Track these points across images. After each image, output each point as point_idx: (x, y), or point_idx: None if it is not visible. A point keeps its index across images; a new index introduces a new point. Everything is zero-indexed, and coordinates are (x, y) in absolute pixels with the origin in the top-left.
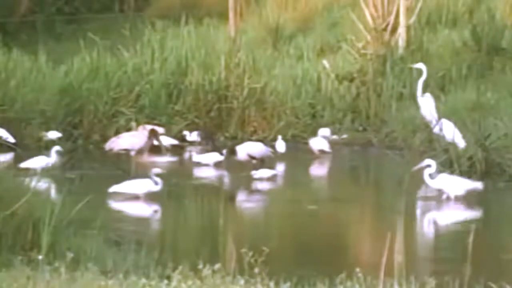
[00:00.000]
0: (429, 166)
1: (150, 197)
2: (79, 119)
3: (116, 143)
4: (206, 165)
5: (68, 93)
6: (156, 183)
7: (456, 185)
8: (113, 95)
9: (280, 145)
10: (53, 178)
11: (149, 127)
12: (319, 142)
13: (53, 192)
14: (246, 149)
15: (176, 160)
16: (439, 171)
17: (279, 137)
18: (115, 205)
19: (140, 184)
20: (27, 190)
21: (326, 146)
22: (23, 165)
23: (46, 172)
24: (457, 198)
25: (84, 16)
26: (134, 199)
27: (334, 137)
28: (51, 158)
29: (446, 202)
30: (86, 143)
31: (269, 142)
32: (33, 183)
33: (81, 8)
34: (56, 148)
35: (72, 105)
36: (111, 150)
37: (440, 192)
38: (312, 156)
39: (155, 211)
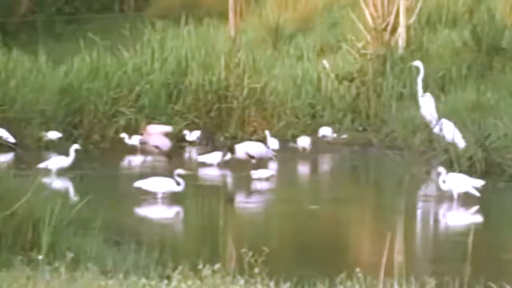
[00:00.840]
0: (440, 173)
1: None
2: (79, 119)
3: (151, 139)
4: (210, 165)
5: (68, 93)
6: (178, 184)
7: (463, 183)
8: (113, 95)
9: (272, 142)
10: (53, 178)
11: (155, 126)
12: (303, 140)
13: (52, 192)
14: (245, 148)
15: (177, 160)
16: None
17: (267, 132)
18: (121, 204)
19: (163, 183)
20: (27, 190)
21: (307, 144)
22: (42, 165)
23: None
24: (460, 196)
25: (84, 16)
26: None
27: (335, 135)
28: (70, 157)
29: (447, 202)
30: (86, 143)
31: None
32: (52, 183)
33: (81, 8)
34: (75, 146)
35: (72, 105)
36: (144, 143)
37: (448, 192)
38: (298, 154)
39: (177, 212)
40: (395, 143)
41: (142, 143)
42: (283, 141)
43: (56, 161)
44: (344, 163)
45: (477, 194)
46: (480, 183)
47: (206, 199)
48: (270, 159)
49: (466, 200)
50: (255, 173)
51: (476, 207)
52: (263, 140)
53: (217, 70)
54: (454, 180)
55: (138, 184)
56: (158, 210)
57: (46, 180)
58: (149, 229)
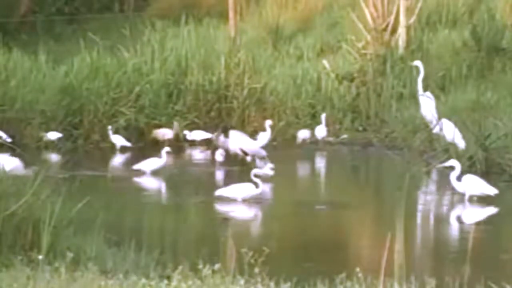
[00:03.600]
0: (453, 167)
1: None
2: (79, 119)
3: (235, 144)
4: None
5: (68, 93)
6: (257, 186)
7: (479, 187)
8: (113, 95)
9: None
10: (52, 178)
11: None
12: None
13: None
14: (239, 144)
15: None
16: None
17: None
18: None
19: (244, 188)
20: (27, 190)
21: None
22: (136, 166)
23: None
24: (462, 199)
25: (84, 16)
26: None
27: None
28: (163, 159)
29: (446, 202)
30: (86, 143)
31: (270, 142)
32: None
33: (81, 8)
34: (166, 149)
35: (72, 105)
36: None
37: (462, 192)
38: (298, 154)
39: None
40: (395, 143)
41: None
42: (283, 141)
43: (150, 163)
44: (344, 163)
45: (492, 194)
46: (494, 191)
47: (207, 198)
48: (263, 157)
49: (466, 200)
50: (258, 173)
51: (476, 208)
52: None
53: (217, 70)
54: (470, 182)
55: (220, 192)
56: (157, 209)
57: (141, 180)
58: (149, 229)
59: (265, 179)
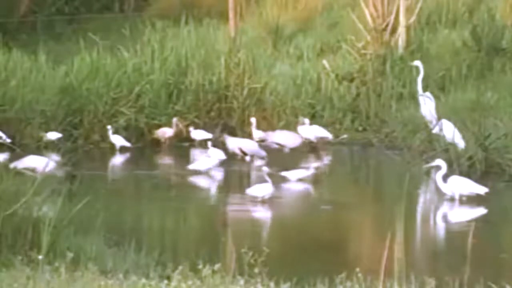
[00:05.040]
0: (439, 167)
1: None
2: (79, 119)
3: (271, 136)
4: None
5: (68, 93)
6: (271, 185)
7: (467, 187)
8: (113, 95)
9: (214, 152)
10: (52, 178)
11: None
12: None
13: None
14: (238, 144)
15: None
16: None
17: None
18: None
19: (267, 188)
20: (27, 190)
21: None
22: (191, 166)
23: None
24: (462, 200)
25: (84, 16)
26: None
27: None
28: (214, 159)
29: (446, 202)
30: (86, 143)
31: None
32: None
33: (81, 8)
34: (211, 148)
35: (72, 105)
36: (263, 141)
37: (450, 194)
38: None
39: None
40: (395, 143)
41: (261, 140)
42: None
43: (204, 162)
44: (344, 163)
45: (482, 193)
46: (483, 190)
47: (208, 198)
48: (262, 157)
49: (466, 200)
50: (289, 174)
51: (476, 208)
52: (263, 140)
53: (217, 70)
54: (457, 183)
55: (250, 191)
56: (157, 209)
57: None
58: (149, 229)
59: (305, 179)
